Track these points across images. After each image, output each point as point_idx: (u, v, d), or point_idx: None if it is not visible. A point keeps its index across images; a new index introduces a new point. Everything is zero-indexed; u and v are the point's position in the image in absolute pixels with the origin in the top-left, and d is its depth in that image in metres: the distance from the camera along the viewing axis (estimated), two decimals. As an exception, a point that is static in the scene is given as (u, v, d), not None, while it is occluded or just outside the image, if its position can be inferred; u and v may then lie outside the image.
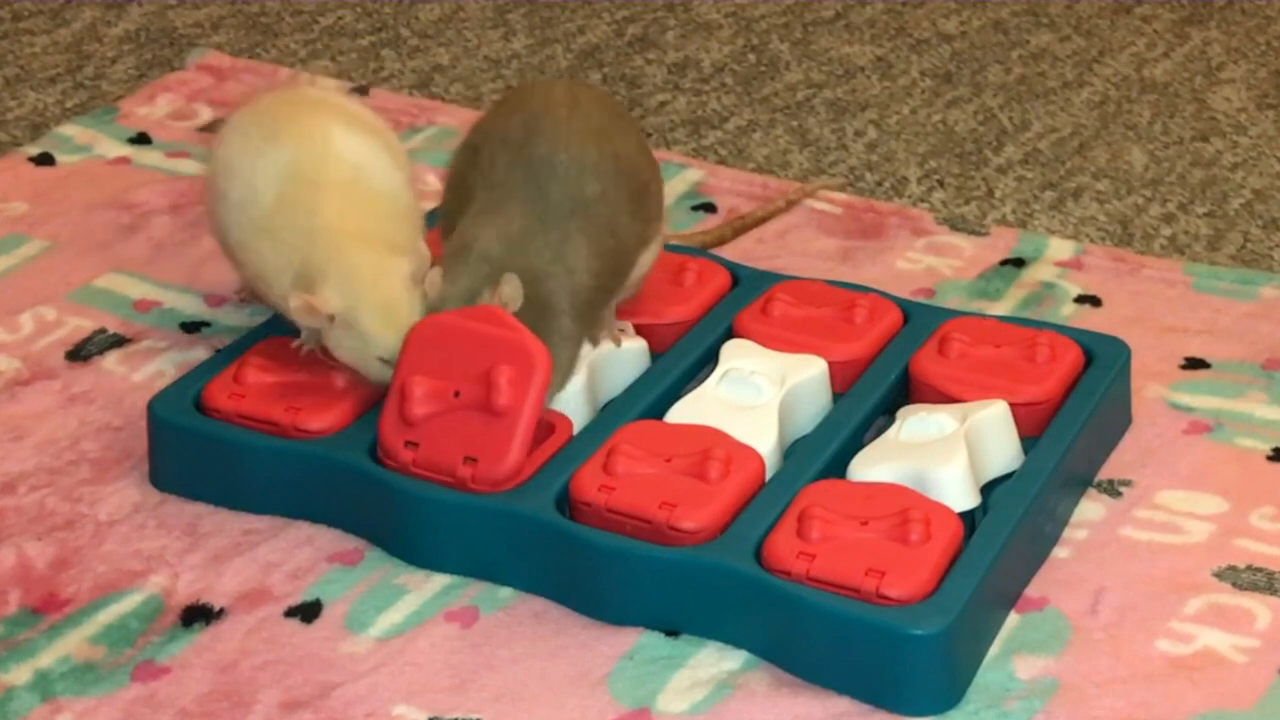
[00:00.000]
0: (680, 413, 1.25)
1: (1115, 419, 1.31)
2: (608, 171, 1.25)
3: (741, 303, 1.35)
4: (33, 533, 1.23)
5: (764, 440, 1.22)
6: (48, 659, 1.14)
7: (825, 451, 1.22)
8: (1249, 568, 1.20)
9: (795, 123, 1.75)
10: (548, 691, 1.12)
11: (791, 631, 1.12)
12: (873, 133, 1.73)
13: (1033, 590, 1.19)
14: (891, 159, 1.69)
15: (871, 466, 1.20)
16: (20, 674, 1.13)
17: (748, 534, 1.15)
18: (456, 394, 1.20)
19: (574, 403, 1.26)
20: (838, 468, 1.21)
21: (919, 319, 1.34)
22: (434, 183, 1.54)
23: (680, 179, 1.63)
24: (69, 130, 1.70)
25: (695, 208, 1.59)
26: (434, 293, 1.22)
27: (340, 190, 1.26)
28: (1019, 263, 1.51)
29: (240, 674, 1.13)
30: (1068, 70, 1.84)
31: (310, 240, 1.23)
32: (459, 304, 1.21)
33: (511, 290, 1.20)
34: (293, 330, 1.29)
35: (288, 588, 1.19)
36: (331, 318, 1.21)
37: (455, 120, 1.71)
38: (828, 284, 1.37)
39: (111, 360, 1.40)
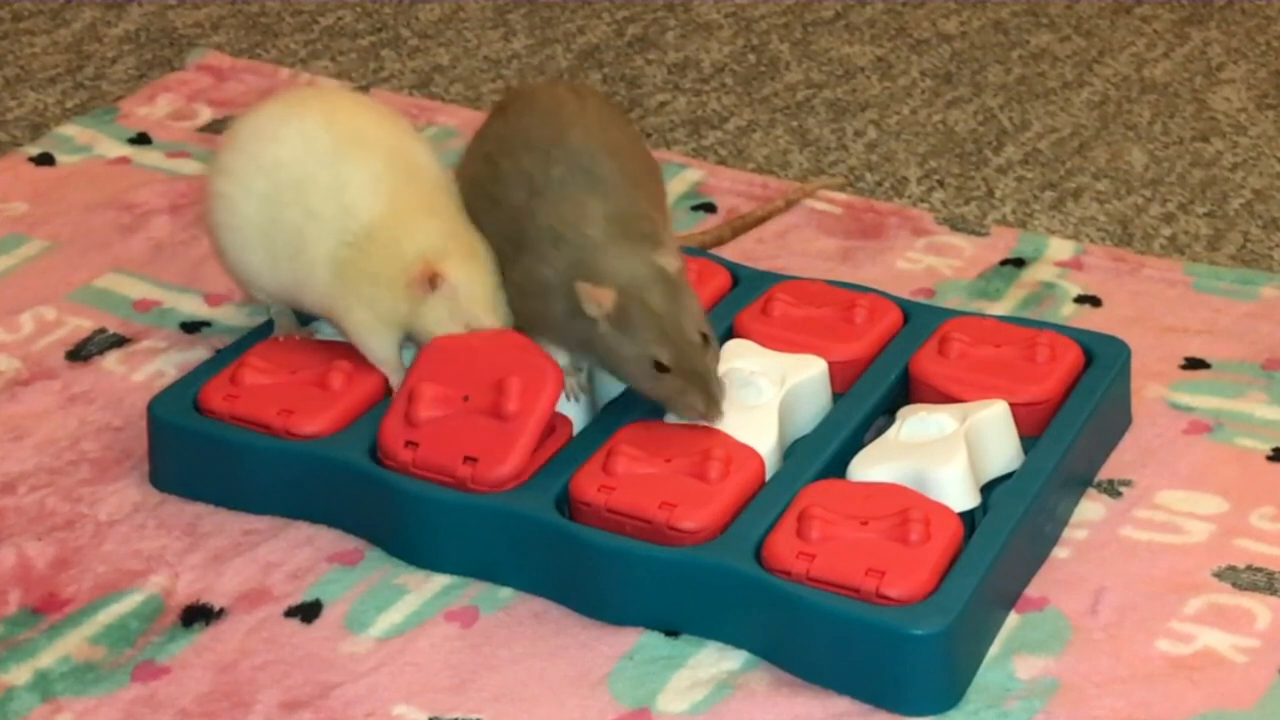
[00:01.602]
0: (680, 413, 1.25)
1: (1115, 419, 1.31)
2: (641, 151, 1.28)
3: (741, 303, 1.35)
4: (33, 533, 1.23)
5: (764, 440, 1.22)
6: (48, 659, 1.14)
7: (825, 451, 1.22)
8: (1249, 568, 1.20)
9: (795, 123, 1.75)
10: (548, 691, 1.12)
11: (791, 631, 1.12)
12: (873, 133, 1.73)
13: (1033, 590, 1.19)
14: (891, 159, 1.69)
15: (871, 466, 1.20)
16: (20, 674, 1.13)
17: (748, 534, 1.15)
18: (465, 398, 1.20)
19: (574, 403, 1.26)
20: (838, 468, 1.21)
21: (919, 319, 1.34)
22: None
23: (680, 179, 1.63)
24: (69, 130, 1.70)
25: (695, 208, 1.59)
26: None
27: (443, 196, 1.27)
28: (1019, 263, 1.51)
29: (240, 674, 1.13)
30: (1068, 70, 1.84)
31: (427, 232, 1.24)
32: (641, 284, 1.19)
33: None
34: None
35: (288, 588, 1.19)
36: (437, 285, 1.22)
37: (455, 120, 1.71)
38: (828, 284, 1.37)
39: (111, 360, 1.40)
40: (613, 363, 1.21)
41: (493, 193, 1.26)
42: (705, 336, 1.19)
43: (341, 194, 1.25)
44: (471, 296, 1.23)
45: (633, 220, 1.21)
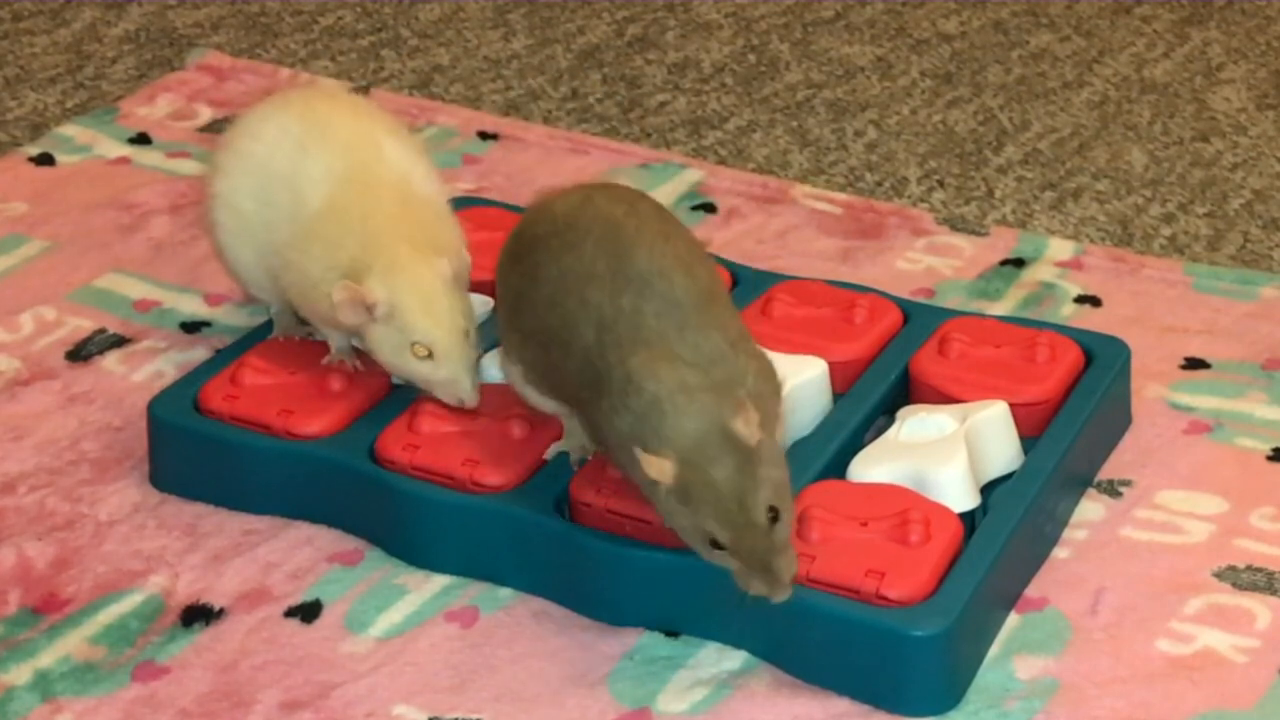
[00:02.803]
0: (680, 413, 1.25)
1: (1115, 419, 1.31)
2: (705, 256, 1.17)
3: (742, 303, 1.35)
4: (33, 533, 1.23)
5: (764, 440, 1.21)
6: (48, 659, 1.14)
7: (825, 451, 1.22)
8: (1249, 568, 1.20)
9: (795, 123, 1.75)
10: (548, 691, 1.12)
11: (791, 632, 1.12)
12: (873, 133, 1.73)
13: (1033, 590, 1.19)
14: (891, 159, 1.69)
15: (871, 467, 1.20)
16: (20, 674, 1.13)
17: (748, 534, 1.15)
18: (474, 419, 1.22)
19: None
20: (838, 468, 1.21)
21: (919, 319, 1.34)
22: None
23: (680, 179, 1.63)
24: (69, 130, 1.70)
25: (695, 208, 1.59)
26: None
27: (391, 193, 1.25)
28: (1019, 263, 1.51)
29: (240, 674, 1.13)
30: (1068, 70, 1.84)
31: (360, 241, 1.23)
32: (706, 449, 1.06)
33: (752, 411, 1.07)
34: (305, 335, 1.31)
35: (288, 588, 1.19)
36: (372, 309, 1.20)
37: (455, 120, 1.71)
38: (828, 284, 1.37)
39: (111, 360, 1.40)
40: (673, 529, 1.09)
41: (566, 339, 1.13)
42: (776, 512, 1.06)
43: (294, 184, 1.26)
44: (399, 310, 1.20)
45: (712, 363, 1.10)
